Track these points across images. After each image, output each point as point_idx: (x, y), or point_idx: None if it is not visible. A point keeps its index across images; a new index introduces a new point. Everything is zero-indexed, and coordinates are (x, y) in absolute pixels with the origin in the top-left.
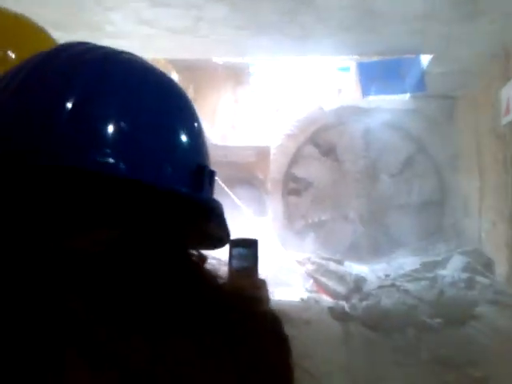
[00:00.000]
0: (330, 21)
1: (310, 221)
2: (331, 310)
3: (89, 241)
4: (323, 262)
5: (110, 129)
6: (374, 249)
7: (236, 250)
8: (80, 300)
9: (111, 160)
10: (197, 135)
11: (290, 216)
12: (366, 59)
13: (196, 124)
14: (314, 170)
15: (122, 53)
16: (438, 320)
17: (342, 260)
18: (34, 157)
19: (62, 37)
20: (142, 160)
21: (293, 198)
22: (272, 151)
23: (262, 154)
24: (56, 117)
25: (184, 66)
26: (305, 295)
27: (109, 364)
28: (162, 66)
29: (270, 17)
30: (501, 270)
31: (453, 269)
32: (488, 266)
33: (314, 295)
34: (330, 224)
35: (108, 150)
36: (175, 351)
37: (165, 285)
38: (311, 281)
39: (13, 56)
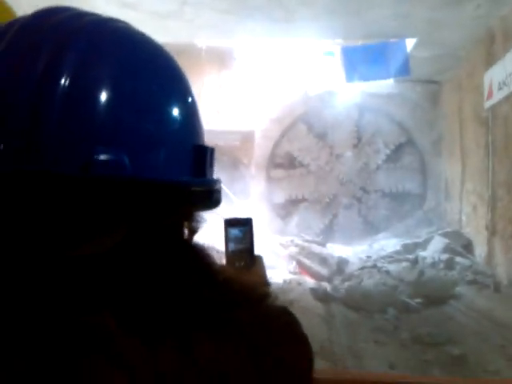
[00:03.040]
0: (314, 4)
1: (292, 197)
2: (313, 291)
3: (93, 246)
4: (306, 244)
5: (109, 119)
6: (356, 231)
7: (231, 232)
8: (107, 313)
9: (114, 157)
10: (193, 113)
11: (271, 193)
12: (350, 43)
13: (191, 100)
14: (300, 146)
15: (107, 21)
16: (418, 300)
17: (324, 242)
18: (20, 158)
19: None
20: (142, 151)
21: (277, 173)
22: (256, 135)
23: (247, 138)
24: (46, 110)
25: (168, 50)
26: (288, 277)
27: (144, 374)
28: None
29: (256, 0)
30: (480, 251)
31: (433, 250)
32: (467, 247)
33: (296, 277)
34: (309, 203)
35: (110, 145)
36: (203, 357)
37: (177, 285)
38: (294, 263)
39: None
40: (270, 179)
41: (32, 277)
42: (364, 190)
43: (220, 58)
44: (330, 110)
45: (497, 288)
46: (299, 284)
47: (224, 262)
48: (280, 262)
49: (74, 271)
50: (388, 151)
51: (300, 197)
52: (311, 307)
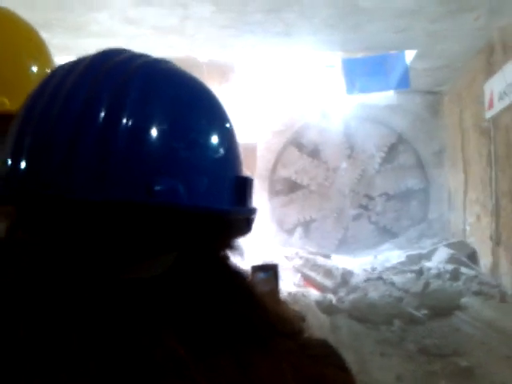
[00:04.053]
0: (314, 18)
1: (301, 220)
2: (318, 303)
3: (148, 269)
4: (311, 256)
5: (165, 151)
6: (371, 238)
7: (258, 276)
8: (172, 335)
9: (172, 186)
10: (234, 145)
11: (279, 218)
12: (350, 55)
13: (231, 132)
14: (296, 169)
15: (157, 62)
16: (424, 311)
17: (329, 254)
18: (89, 189)
19: (46, 38)
20: (193, 181)
21: (281, 199)
22: (259, 147)
23: (249, 150)
24: (112, 147)
25: None
26: (293, 289)
27: None
28: None
29: (255, 15)
30: (485, 261)
31: (438, 261)
32: (472, 257)
33: (301, 289)
34: (319, 222)
35: (167, 175)
36: (259, 377)
37: (226, 307)
38: (299, 275)
39: None
40: (272, 192)
41: (92, 299)
42: (368, 196)
43: (221, 71)
44: (332, 122)
45: (502, 298)
46: (304, 296)
47: None
48: (284, 274)
49: (131, 294)
50: (389, 163)
51: (308, 218)
52: (316, 319)
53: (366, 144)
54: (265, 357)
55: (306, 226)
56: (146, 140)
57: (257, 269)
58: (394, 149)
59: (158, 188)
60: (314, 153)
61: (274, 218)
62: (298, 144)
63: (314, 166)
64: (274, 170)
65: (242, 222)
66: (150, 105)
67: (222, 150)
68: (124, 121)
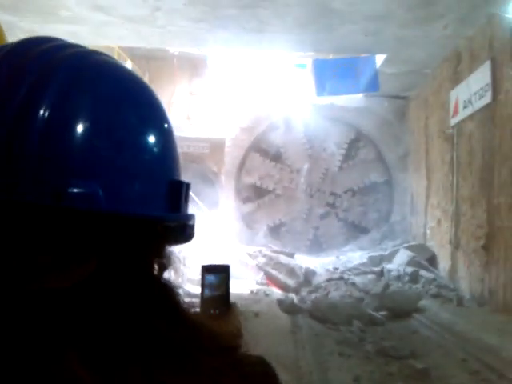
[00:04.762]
0: (287, 17)
1: (270, 225)
2: (280, 302)
3: (64, 277)
4: (274, 255)
5: (85, 151)
6: (342, 235)
7: (208, 279)
8: (75, 356)
9: (88, 190)
10: (170, 146)
11: (248, 223)
12: (321, 56)
13: (168, 132)
14: (260, 174)
15: (90, 54)
16: (383, 313)
17: (292, 253)
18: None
19: (12, 21)
20: (117, 184)
21: (248, 207)
22: (227, 143)
23: (217, 146)
24: (23, 140)
25: (139, 55)
26: (255, 288)
27: None
28: (115, 54)
29: (229, 10)
30: (444, 264)
31: (398, 263)
32: (432, 260)
33: (264, 288)
34: (288, 225)
35: (86, 178)
36: None
37: (142, 323)
38: (262, 273)
39: None
40: (239, 189)
41: None
42: (334, 194)
43: (192, 65)
44: (298, 122)
45: (460, 302)
46: (266, 295)
47: (199, 307)
48: (247, 272)
49: (39, 305)
50: (354, 166)
51: (277, 222)
52: (278, 319)
53: (336, 148)
54: (184, 376)
55: (276, 229)
56: (63, 138)
57: (207, 269)
58: (363, 157)
59: (72, 191)
60: (277, 156)
61: (243, 224)
62: (259, 149)
63: (277, 170)
64: (240, 167)
65: (176, 229)
66: (72, 99)
67: (154, 152)
68: (39, 115)
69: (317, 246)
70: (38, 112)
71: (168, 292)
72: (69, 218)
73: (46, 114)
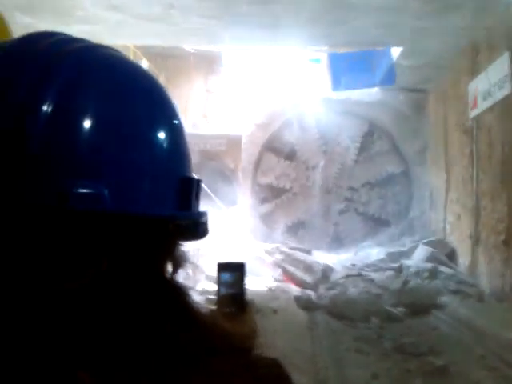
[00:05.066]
0: (300, 11)
1: (289, 225)
2: (298, 299)
3: (75, 278)
4: (291, 251)
5: (90, 149)
6: (363, 229)
7: (223, 276)
8: (79, 363)
9: (93, 190)
10: (179, 142)
11: (266, 223)
12: (336, 51)
13: (178, 127)
14: (276, 174)
15: (96, 48)
16: (402, 309)
17: (310, 250)
18: (6, 193)
19: (30, 22)
20: (124, 183)
21: (265, 207)
22: (243, 140)
23: (233, 142)
24: (27, 138)
25: (155, 54)
26: (273, 284)
27: None
28: (131, 53)
29: (242, 6)
30: (463, 260)
31: (417, 259)
32: (451, 256)
33: (281, 284)
34: (307, 223)
35: (91, 177)
36: None
37: (152, 325)
38: (279, 270)
39: None
40: (256, 185)
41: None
42: (352, 188)
43: (208, 62)
44: (315, 117)
45: (480, 298)
46: (284, 292)
47: (215, 306)
48: (265, 269)
49: (49, 306)
50: (373, 160)
51: (296, 221)
52: (295, 316)
53: (355, 144)
54: (195, 378)
55: (295, 228)
56: (66, 136)
57: (223, 267)
58: (381, 152)
59: (77, 191)
60: (291, 154)
61: (259, 221)
62: (273, 149)
63: (292, 168)
64: (256, 166)
65: (188, 227)
66: (76, 94)
67: (163, 149)
68: (42, 112)
69: (337, 242)
70: (41, 109)
71: (179, 293)
72: (74, 219)
73: (49, 111)
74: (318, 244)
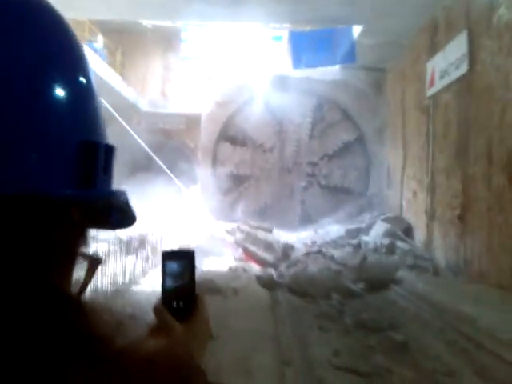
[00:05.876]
0: None
1: (256, 210)
2: (259, 278)
3: None
4: (252, 230)
5: None
6: (321, 210)
7: (169, 266)
8: None
9: None
10: (82, 97)
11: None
12: (297, 28)
13: (81, 80)
14: (238, 162)
15: None
16: (361, 285)
17: (270, 228)
18: None
19: None
20: (3, 156)
21: (230, 197)
22: (202, 119)
23: (193, 121)
24: None
25: (111, 29)
26: (234, 264)
27: None
28: (86, 28)
29: None
30: (419, 235)
31: (375, 235)
32: (408, 232)
33: (242, 264)
34: (274, 206)
35: None
36: None
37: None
38: (240, 249)
39: None
40: (215, 164)
41: None
42: (312, 163)
43: (166, 39)
44: (274, 96)
45: (435, 272)
46: (245, 271)
47: (160, 301)
48: (226, 249)
49: None
50: (331, 138)
51: (263, 205)
52: (257, 294)
53: (313, 121)
54: None
55: (263, 212)
56: None
57: (168, 256)
58: (339, 130)
59: None
60: (246, 140)
61: (221, 200)
62: (228, 138)
63: (250, 154)
64: (217, 142)
65: (89, 212)
66: None
67: (55, 108)
68: None
69: (307, 219)
70: None
71: (53, 288)
72: None
73: None
74: (289, 224)
